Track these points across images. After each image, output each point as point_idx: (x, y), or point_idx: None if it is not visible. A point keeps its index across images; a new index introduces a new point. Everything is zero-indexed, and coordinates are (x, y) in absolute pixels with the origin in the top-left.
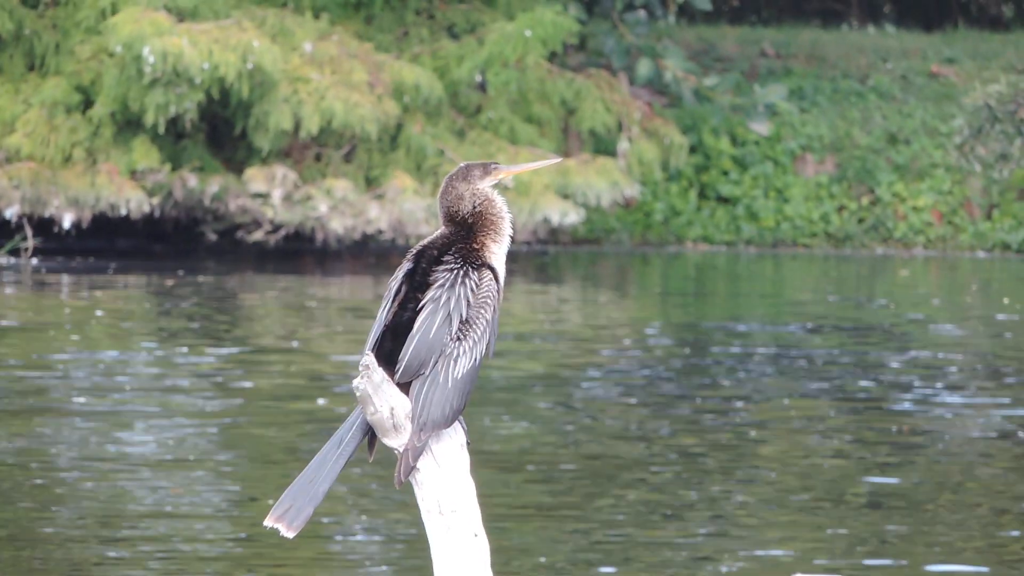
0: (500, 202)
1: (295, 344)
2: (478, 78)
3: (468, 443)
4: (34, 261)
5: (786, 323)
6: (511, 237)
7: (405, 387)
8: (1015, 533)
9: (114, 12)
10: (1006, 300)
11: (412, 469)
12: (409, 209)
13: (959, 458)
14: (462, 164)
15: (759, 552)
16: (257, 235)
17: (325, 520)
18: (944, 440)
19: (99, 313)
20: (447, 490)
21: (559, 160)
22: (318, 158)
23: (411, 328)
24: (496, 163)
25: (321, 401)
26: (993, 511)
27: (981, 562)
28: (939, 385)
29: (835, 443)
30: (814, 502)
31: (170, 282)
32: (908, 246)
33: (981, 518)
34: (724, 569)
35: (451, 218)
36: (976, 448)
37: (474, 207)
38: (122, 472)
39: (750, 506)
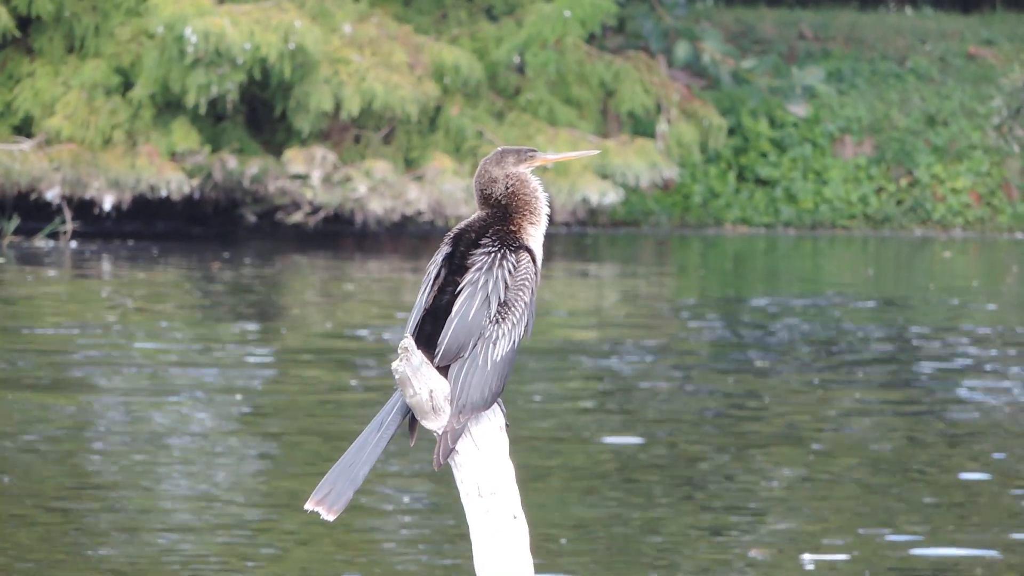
0: (535, 183)
1: (334, 326)
2: (516, 59)
3: (507, 425)
4: (73, 244)
5: (826, 305)
6: (548, 218)
7: (444, 370)
8: None
9: None
10: None
11: (451, 451)
12: (448, 190)
13: (997, 439)
14: (499, 149)
15: (786, 527)
16: (296, 217)
17: (364, 501)
18: (991, 425)
19: (140, 295)
20: (486, 472)
21: (596, 152)
22: (357, 140)
23: (450, 311)
24: (533, 150)
25: (353, 383)
26: None
27: None
28: (982, 365)
29: (880, 429)
30: (859, 481)
31: (215, 265)
32: (946, 227)
33: None
34: (768, 542)
35: (486, 200)
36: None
37: (507, 188)
38: (158, 453)
39: (786, 484)
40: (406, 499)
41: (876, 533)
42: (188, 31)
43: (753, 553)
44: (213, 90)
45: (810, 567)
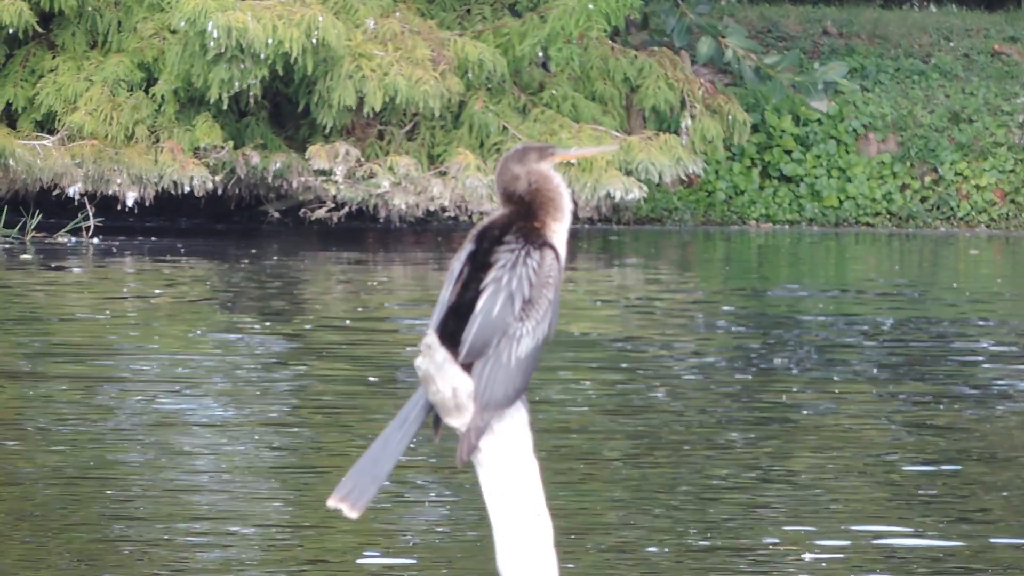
0: (557, 179)
1: (356, 323)
2: (540, 55)
3: (530, 422)
4: (96, 240)
5: (849, 302)
6: (572, 214)
7: (468, 367)
8: None
9: None
10: None
11: (474, 449)
12: (471, 186)
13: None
14: (520, 145)
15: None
16: (320, 212)
17: (385, 499)
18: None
19: (164, 290)
20: (509, 470)
21: (616, 148)
22: (380, 135)
23: (474, 309)
24: (554, 146)
25: (371, 379)
26: None
27: None
28: (1001, 364)
29: (892, 424)
30: (875, 476)
31: (242, 262)
32: (971, 225)
33: None
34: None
35: (509, 197)
36: None
37: (530, 184)
38: (174, 443)
39: (804, 478)
40: (431, 495)
41: (882, 530)
42: (210, 26)
43: (803, 555)
44: (236, 85)
45: (811, 559)
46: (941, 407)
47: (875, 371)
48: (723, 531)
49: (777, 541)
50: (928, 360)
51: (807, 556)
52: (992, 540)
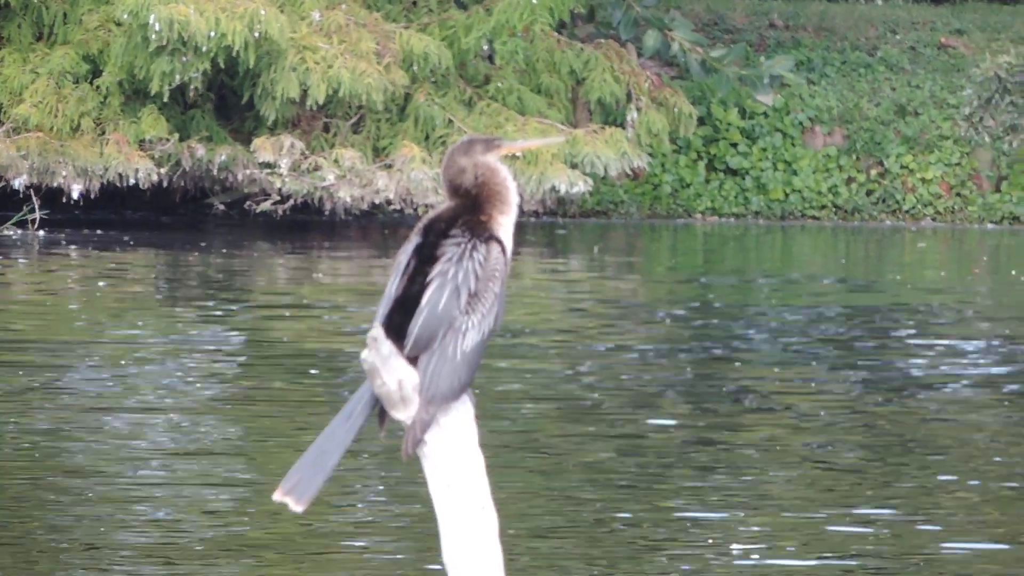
0: (504, 172)
1: (301, 316)
2: (486, 47)
3: (476, 416)
4: (41, 233)
5: (796, 295)
6: (519, 207)
7: (413, 360)
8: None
9: None
10: (1014, 272)
11: (420, 442)
12: (417, 179)
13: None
14: (466, 137)
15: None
16: (265, 205)
17: (330, 494)
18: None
19: (106, 284)
20: (455, 463)
21: (562, 140)
22: (326, 128)
23: (420, 302)
24: (500, 138)
25: (313, 371)
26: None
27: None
28: (945, 355)
29: (829, 416)
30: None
31: (187, 255)
32: (917, 218)
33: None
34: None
35: (455, 190)
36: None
37: (476, 177)
38: (124, 447)
39: (749, 478)
40: (376, 487)
41: (816, 516)
42: (152, 18)
43: (728, 547)
44: (177, 78)
45: (776, 560)
46: (878, 396)
47: (814, 362)
48: (659, 520)
49: (708, 530)
50: (867, 350)
51: (735, 547)
52: (920, 527)
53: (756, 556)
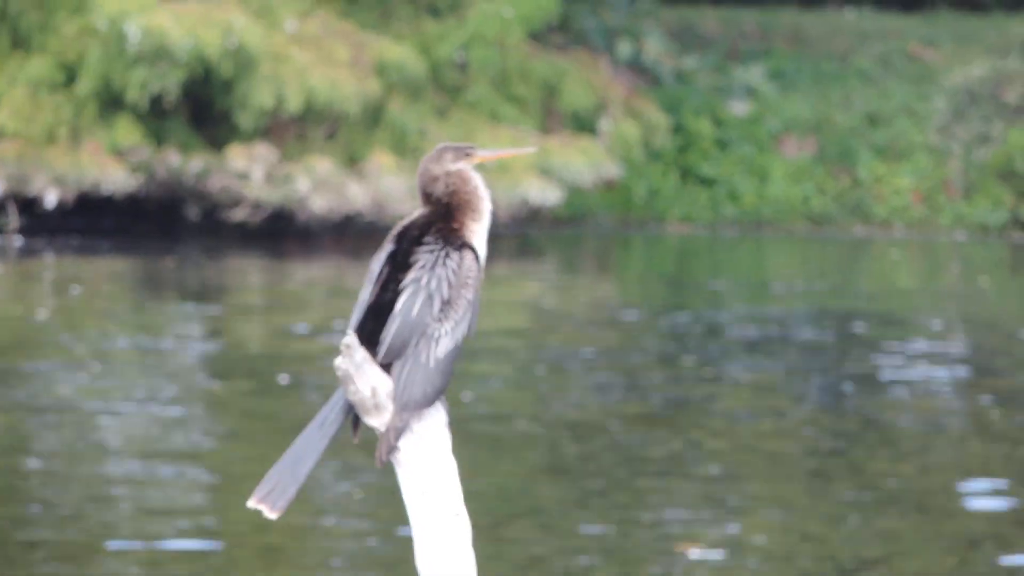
0: (476, 180)
1: (274, 324)
2: (460, 57)
3: (450, 423)
4: (18, 240)
5: (765, 303)
6: (492, 215)
7: (387, 368)
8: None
9: None
10: (982, 281)
11: (393, 449)
12: (389, 187)
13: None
14: (439, 146)
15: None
16: (239, 214)
17: (306, 500)
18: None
19: (79, 291)
20: (428, 470)
21: (536, 149)
22: (301, 137)
23: (393, 309)
24: (473, 147)
25: (285, 378)
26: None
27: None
28: (914, 363)
29: (800, 420)
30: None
31: (160, 262)
32: (887, 227)
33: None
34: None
35: (428, 198)
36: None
37: (447, 186)
38: (99, 452)
39: (719, 481)
40: (345, 497)
41: (808, 528)
42: (129, 28)
43: (687, 551)
44: (153, 87)
45: (741, 563)
46: (844, 400)
47: (781, 366)
48: (624, 522)
49: (671, 530)
50: (834, 353)
51: (695, 552)
52: (884, 524)
53: (720, 559)
